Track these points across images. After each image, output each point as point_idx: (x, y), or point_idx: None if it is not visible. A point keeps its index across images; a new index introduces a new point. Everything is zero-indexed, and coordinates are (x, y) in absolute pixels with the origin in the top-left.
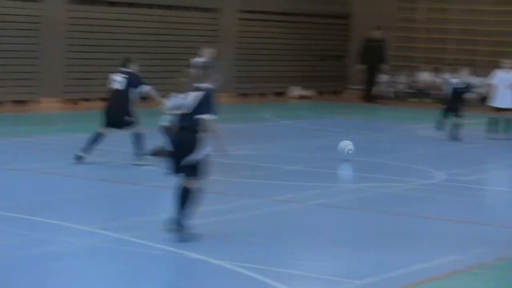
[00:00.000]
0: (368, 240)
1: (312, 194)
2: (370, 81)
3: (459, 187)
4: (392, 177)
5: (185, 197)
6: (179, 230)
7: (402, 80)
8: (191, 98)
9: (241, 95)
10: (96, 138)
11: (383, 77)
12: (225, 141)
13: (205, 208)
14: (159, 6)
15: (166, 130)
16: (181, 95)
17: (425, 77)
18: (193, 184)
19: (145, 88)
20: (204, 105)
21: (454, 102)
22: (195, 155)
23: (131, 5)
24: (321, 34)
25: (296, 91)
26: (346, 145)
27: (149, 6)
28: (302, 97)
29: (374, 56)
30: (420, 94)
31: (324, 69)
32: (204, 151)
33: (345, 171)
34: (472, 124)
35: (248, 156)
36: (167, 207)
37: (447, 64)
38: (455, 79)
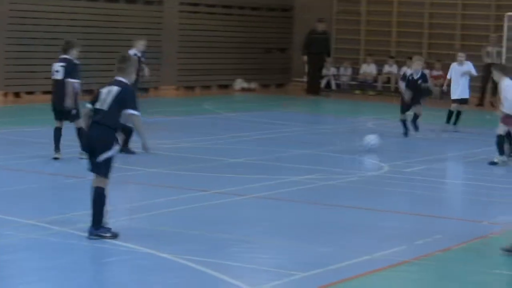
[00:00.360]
0: (312, 232)
1: (256, 186)
2: (314, 74)
3: (404, 179)
4: (336, 169)
5: (96, 197)
6: (95, 229)
7: (346, 73)
8: (108, 92)
9: (185, 88)
10: (56, 134)
11: (328, 70)
12: (146, 137)
13: (149, 201)
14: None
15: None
16: (104, 89)
17: (368, 69)
18: (101, 183)
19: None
20: (121, 99)
21: (412, 94)
22: (107, 152)
23: None
24: (264, 26)
25: (240, 83)
26: (370, 140)
27: None
28: (246, 90)
29: (317, 48)
30: (363, 86)
31: (268, 61)
32: (114, 148)
33: (289, 164)
34: (432, 117)
35: (191, 149)
36: (112, 200)
37: (390, 57)
38: (410, 71)
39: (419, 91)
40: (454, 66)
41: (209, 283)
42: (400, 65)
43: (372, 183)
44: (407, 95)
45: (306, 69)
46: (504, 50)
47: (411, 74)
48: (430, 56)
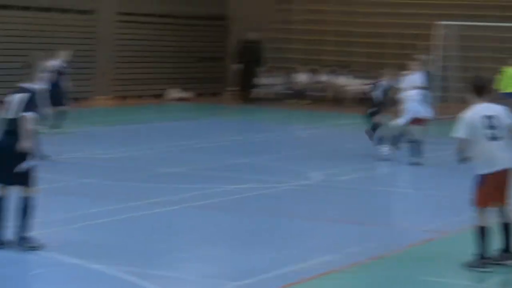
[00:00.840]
0: (245, 241)
1: (189, 196)
2: (247, 83)
3: (338, 187)
4: (269, 178)
5: (24, 207)
6: (22, 242)
7: (280, 82)
8: (12, 100)
9: (119, 98)
10: None
11: (261, 79)
12: (34, 143)
13: (81, 212)
14: (36, 9)
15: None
16: (9, 98)
17: (302, 78)
18: (29, 193)
19: None
20: (26, 105)
21: (381, 104)
22: (26, 162)
23: (5, 7)
24: (199, 36)
25: (174, 93)
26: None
27: (25, 8)
28: (180, 99)
29: (250, 57)
30: (297, 95)
31: (203, 70)
32: (32, 157)
33: (223, 173)
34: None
35: (124, 159)
36: (42, 211)
37: (325, 66)
38: (384, 81)
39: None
40: (406, 75)
41: None
42: (333, 73)
43: (306, 191)
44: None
45: (240, 78)
46: (435, 58)
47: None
48: (362, 65)
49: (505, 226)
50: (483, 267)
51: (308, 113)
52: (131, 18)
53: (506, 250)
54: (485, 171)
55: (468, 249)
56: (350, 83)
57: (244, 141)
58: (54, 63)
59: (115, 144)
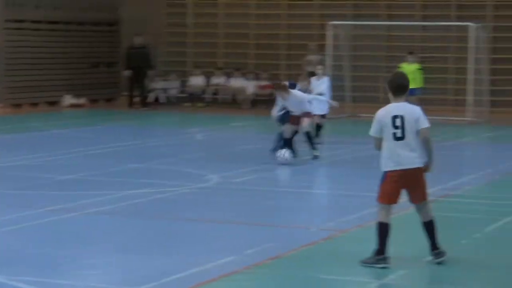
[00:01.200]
0: (145, 246)
1: (88, 202)
2: (137, 87)
3: (234, 189)
4: (166, 182)
5: None
6: None
7: (175, 85)
8: None
9: (12, 106)
10: None
11: (155, 83)
12: None
13: None
14: None
15: None
16: None
17: (196, 81)
18: None
19: None
20: None
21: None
22: None
23: None
24: (92, 41)
25: (68, 99)
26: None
27: None
28: (75, 106)
29: (136, 62)
30: (192, 98)
31: (96, 76)
32: None
33: (120, 178)
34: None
35: (19, 167)
36: None
37: (218, 68)
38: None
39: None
40: (313, 80)
41: None
42: (227, 76)
43: (204, 194)
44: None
45: (129, 83)
46: (328, 58)
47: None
48: (256, 67)
49: (427, 224)
50: (380, 264)
51: (204, 116)
52: (21, 25)
53: (433, 248)
54: (389, 168)
55: (366, 247)
56: (245, 85)
57: (140, 146)
58: None
59: (11, 153)
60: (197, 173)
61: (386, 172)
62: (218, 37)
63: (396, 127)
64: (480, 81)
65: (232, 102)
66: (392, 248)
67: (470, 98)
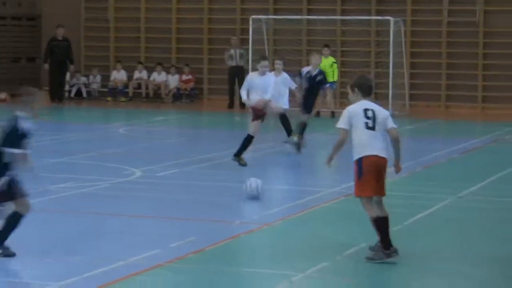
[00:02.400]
0: (65, 242)
1: None
2: (56, 81)
3: (156, 183)
4: (87, 177)
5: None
6: None
7: (96, 80)
8: None
9: None
10: None
11: (76, 77)
12: None
13: None
14: None
15: None
16: None
17: (118, 76)
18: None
19: None
20: None
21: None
22: None
23: None
24: (12, 36)
25: None
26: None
27: None
28: None
29: (58, 56)
30: (114, 93)
31: (17, 71)
32: None
33: (41, 173)
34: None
35: None
36: None
37: (139, 62)
38: (307, 68)
39: (317, 89)
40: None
41: None
42: (149, 70)
43: (125, 189)
44: (299, 93)
45: (49, 77)
46: (250, 52)
47: (308, 72)
48: (178, 61)
49: (384, 220)
50: (391, 258)
51: (126, 111)
52: None
53: (386, 246)
54: (366, 153)
55: (289, 240)
56: (167, 80)
57: (60, 140)
58: None
59: None
60: (119, 167)
61: (361, 161)
62: (140, 31)
63: (368, 118)
64: (400, 74)
65: (154, 97)
66: (316, 241)
67: (390, 91)
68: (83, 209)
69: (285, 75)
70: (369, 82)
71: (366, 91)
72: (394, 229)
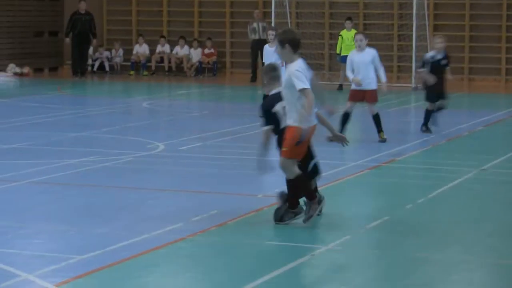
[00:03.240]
0: (89, 215)
1: (30, 172)
2: (79, 55)
3: (179, 157)
4: (111, 151)
5: None
6: None
7: (118, 54)
8: None
9: None
10: None
11: (99, 51)
12: None
13: None
14: None
15: None
16: None
17: (140, 49)
18: None
19: None
20: None
21: (436, 79)
22: None
23: None
24: (34, 10)
25: (12, 68)
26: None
27: None
28: (18, 75)
29: (81, 29)
30: (137, 66)
31: (40, 45)
32: None
33: (64, 147)
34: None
35: None
36: None
37: (162, 36)
38: (431, 53)
39: (443, 74)
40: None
41: None
42: (171, 44)
43: (148, 162)
44: (431, 79)
45: (73, 52)
46: (273, 24)
47: (433, 56)
48: (201, 35)
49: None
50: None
51: (148, 85)
52: None
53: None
54: (311, 123)
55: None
56: (189, 54)
57: (83, 114)
58: None
59: None
60: (142, 141)
61: (307, 130)
62: (162, 5)
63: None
64: (423, 47)
65: (176, 71)
66: (338, 214)
67: (413, 64)
68: (105, 182)
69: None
70: (298, 36)
71: (297, 46)
72: (418, 202)
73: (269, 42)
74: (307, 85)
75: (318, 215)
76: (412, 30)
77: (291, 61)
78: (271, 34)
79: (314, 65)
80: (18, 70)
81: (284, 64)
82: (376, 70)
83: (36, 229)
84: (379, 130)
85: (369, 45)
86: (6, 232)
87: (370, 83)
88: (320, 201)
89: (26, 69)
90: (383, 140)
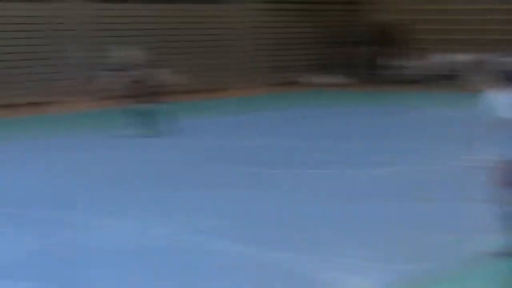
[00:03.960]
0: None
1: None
2: (376, 65)
3: None
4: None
5: None
6: None
7: (417, 64)
8: None
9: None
10: None
11: (401, 61)
12: None
13: None
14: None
15: None
16: None
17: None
18: None
19: None
20: None
21: None
22: None
23: None
24: (333, 21)
25: (320, 79)
26: None
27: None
28: (329, 85)
29: (382, 40)
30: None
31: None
32: None
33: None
34: None
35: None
36: None
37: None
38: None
39: None
40: None
41: None
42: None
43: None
44: None
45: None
46: None
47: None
48: None
49: None
50: None
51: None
52: (275, 6)
53: None
54: None
55: None
56: None
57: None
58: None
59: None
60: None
61: None
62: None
63: None
64: None
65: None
66: None
67: None
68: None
69: None
70: None
71: None
72: None
73: None
74: None
75: None
76: None
77: None
78: None
79: None
80: (329, 80)
81: None
82: None
83: None
84: None
85: None
86: None
87: None
88: None
89: (337, 80)
90: None
